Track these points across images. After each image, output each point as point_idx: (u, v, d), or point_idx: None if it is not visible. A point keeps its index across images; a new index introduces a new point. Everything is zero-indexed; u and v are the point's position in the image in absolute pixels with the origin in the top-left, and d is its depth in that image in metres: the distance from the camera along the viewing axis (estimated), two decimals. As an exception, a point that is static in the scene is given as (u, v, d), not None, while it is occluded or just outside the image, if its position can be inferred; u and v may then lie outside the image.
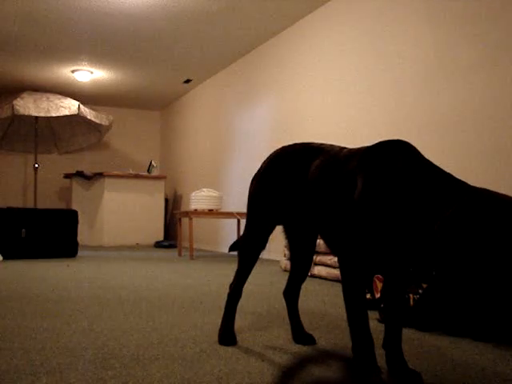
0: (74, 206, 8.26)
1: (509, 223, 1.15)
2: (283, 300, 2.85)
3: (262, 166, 1.87)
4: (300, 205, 1.69)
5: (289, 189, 1.73)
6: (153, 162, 8.70)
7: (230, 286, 1.91)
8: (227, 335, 1.86)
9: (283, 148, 1.84)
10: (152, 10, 5.34)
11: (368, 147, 1.49)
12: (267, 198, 1.80)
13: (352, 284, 1.41)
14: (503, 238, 1.14)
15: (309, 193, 1.63)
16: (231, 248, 2.04)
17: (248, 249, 1.86)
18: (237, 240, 2.10)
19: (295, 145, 1.81)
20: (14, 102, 7.43)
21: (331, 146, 1.70)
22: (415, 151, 1.40)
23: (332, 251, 1.62)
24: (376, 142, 4.32)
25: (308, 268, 1.94)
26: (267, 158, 1.87)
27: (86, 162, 9.64)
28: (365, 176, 1.40)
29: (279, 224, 1.89)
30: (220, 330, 1.90)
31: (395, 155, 1.39)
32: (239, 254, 1.89)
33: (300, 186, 1.68)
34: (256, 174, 1.88)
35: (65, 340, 1.88)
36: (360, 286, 1.41)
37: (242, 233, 6.28)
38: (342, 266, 1.43)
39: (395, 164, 1.37)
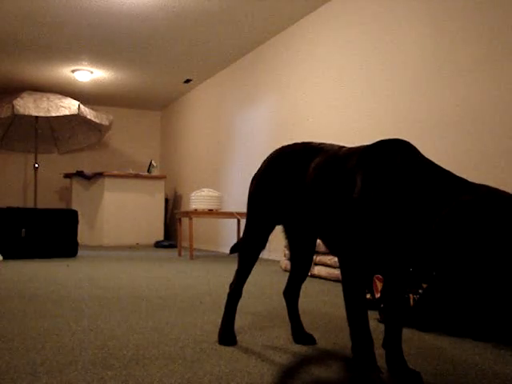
0: (74, 206, 8.26)
1: (506, 220, 1.14)
2: (283, 300, 2.85)
3: (261, 166, 1.87)
4: (299, 204, 1.69)
5: (288, 188, 1.73)
6: (153, 162, 8.70)
7: (230, 285, 1.91)
8: (227, 335, 1.87)
9: (283, 148, 1.84)
10: (152, 9, 5.34)
11: (367, 146, 1.49)
12: (267, 197, 1.80)
13: (352, 284, 1.41)
14: (500, 236, 1.14)
15: (308, 192, 1.63)
16: (232, 250, 2.03)
17: (248, 248, 1.86)
18: (237, 242, 2.10)
19: (295, 144, 1.81)
20: (14, 102, 7.43)
21: (331, 145, 1.70)
22: (414, 150, 1.40)
23: (331, 251, 1.62)
24: (375, 141, 4.32)
25: (308, 268, 1.94)
26: (267, 158, 1.87)
27: (86, 162, 9.64)
28: (364, 175, 1.40)
29: (279, 224, 1.89)
30: (220, 329, 1.90)
31: (394, 154, 1.39)
32: (239, 254, 1.89)
33: (299, 185, 1.68)
34: (256, 174, 1.88)
35: (65, 340, 1.88)
36: (360, 285, 1.41)
37: (242, 233, 6.26)
38: (342, 265, 1.43)
39: (394, 163, 1.36)
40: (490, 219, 1.15)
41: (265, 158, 5.99)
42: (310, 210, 1.63)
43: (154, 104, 9.74)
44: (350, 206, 1.41)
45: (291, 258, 1.95)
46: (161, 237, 8.56)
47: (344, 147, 1.63)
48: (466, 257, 1.17)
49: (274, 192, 1.78)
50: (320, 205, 1.56)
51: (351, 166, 1.47)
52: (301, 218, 1.72)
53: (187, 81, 8.08)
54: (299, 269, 1.93)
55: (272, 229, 1.85)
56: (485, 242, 1.15)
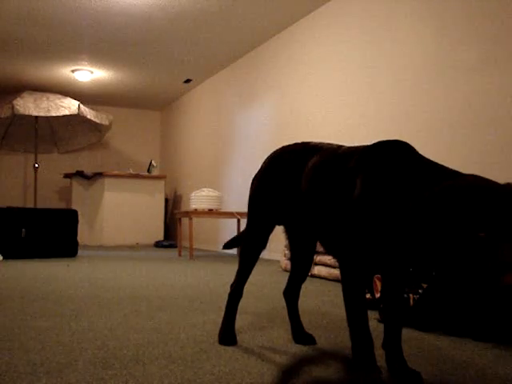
0: (74, 206, 8.26)
1: (474, 206, 1.14)
2: (283, 300, 2.85)
3: (262, 166, 1.87)
4: (299, 204, 1.69)
5: (288, 189, 1.73)
6: (153, 162, 8.70)
7: (231, 285, 1.91)
8: (227, 335, 1.86)
9: (283, 148, 1.84)
10: (152, 9, 5.34)
11: (366, 147, 1.49)
12: (267, 198, 1.80)
13: (352, 284, 1.41)
14: (467, 222, 1.15)
15: (307, 192, 1.63)
16: (226, 246, 2.04)
17: (248, 248, 1.86)
18: (232, 238, 2.10)
19: (295, 144, 1.81)
20: (14, 102, 7.43)
21: (329, 144, 1.70)
22: (413, 151, 1.40)
23: (328, 252, 1.62)
24: (375, 141, 4.32)
25: (308, 268, 1.94)
26: (267, 158, 1.87)
27: (86, 162, 9.64)
28: (363, 176, 1.40)
29: (279, 224, 1.89)
30: (220, 329, 1.89)
31: (393, 155, 1.39)
32: (240, 254, 1.89)
33: (299, 185, 1.68)
34: (256, 174, 1.88)
35: (65, 340, 1.88)
36: (360, 286, 1.41)
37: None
38: (341, 266, 1.43)
39: (393, 164, 1.37)
40: (459, 205, 1.15)
41: (265, 157, 5.99)
42: (309, 210, 1.63)
43: (153, 104, 9.73)
44: (349, 207, 1.41)
45: (291, 258, 1.94)
46: (161, 237, 8.56)
47: (343, 146, 1.63)
48: (437, 241, 1.18)
49: (274, 192, 1.78)
50: (319, 205, 1.56)
51: (350, 166, 1.47)
52: (301, 218, 1.72)
53: (187, 81, 8.08)
54: (299, 269, 1.93)
55: (272, 229, 1.85)
56: (450, 229, 1.15)
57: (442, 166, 1.33)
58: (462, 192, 1.16)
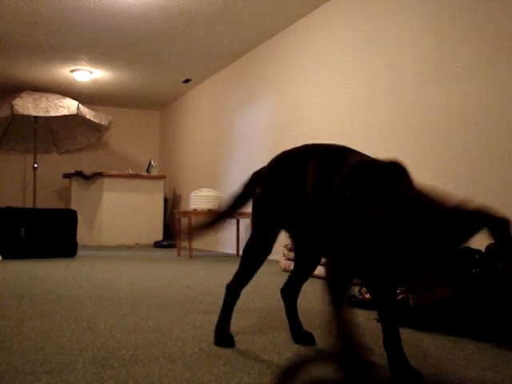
0: (73, 206, 8.25)
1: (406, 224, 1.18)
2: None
3: (267, 169, 1.82)
4: (304, 210, 1.68)
5: (293, 193, 1.71)
6: (152, 162, 8.70)
7: (228, 287, 1.88)
8: (223, 336, 1.84)
9: (289, 151, 1.80)
10: (151, 9, 5.34)
11: (357, 165, 1.48)
12: (274, 202, 1.76)
13: (334, 289, 1.42)
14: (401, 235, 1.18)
15: (306, 198, 1.63)
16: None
17: (254, 253, 1.80)
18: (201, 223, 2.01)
19: (301, 147, 1.78)
20: (13, 102, 7.42)
21: (330, 147, 1.68)
22: (406, 176, 1.41)
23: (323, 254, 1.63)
24: (374, 143, 4.33)
25: (313, 269, 1.90)
26: (272, 161, 1.82)
27: (85, 162, 9.63)
28: (351, 193, 1.41)
29: (285, 228, 1.84)
30: (216, 331, 1.87)
31: (383, 181, 1.39)
32: (242, 257, 1.84)
33: (301, 190, 1.67)
34: (262, 177, 1.82)
35: (64, 340, 1.88)
36: (342, 290, 1.42)
37: (241, 232, 6.20)
38: (327, 271, 1.43)
39: (380, 190, 1.37)
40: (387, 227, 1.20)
41: (264, 157, 5.99)
42: (310, 215, 1.63)
43: (153, 104, 9.73)
44: (338, 219, 1.43)
45: (296, 259, 1.91)
46: (160, 237, 8.56)
47: (343, 150, 1.62)
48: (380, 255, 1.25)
49: (280, 197, 1.74)
50: (316, 211, 1.58)
51: (340, 180, 1.48)
52: (306, 222, 1.70)
53: (186, 81, 8.08)
54: (304, 268, 1.89)
55: (278, 233, 1.81)
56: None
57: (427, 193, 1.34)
58: (393, 215, 1.20)
